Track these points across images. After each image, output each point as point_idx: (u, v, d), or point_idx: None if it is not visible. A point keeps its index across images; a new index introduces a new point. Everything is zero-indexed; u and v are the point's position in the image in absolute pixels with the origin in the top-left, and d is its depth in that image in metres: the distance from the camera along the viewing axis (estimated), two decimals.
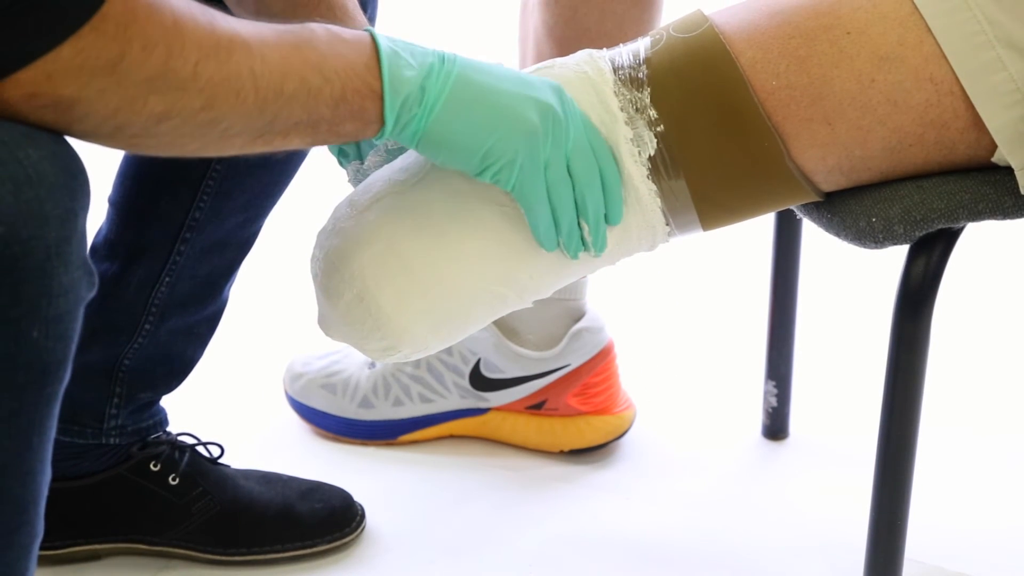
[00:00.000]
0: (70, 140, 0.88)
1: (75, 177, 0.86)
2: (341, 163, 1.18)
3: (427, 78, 0.99)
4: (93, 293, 0.88)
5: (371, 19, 1.35)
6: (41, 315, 0.83)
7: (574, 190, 1.05)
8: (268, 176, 1.37)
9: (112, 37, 0.85)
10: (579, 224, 1.06)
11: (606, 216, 1.07)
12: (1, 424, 0.85)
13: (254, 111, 0.92)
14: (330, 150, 1.18)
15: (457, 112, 1.00)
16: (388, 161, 1.15)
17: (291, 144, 0.97)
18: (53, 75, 0.84)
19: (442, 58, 1.00)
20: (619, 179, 1.07)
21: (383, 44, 0.98)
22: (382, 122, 0.98)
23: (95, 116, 0.87)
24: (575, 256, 1.08)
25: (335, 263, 1.08)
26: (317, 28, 0.97)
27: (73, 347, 0.87)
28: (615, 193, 1.07)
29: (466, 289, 1.08)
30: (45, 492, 0.90)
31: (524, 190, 1.03)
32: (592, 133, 1.06)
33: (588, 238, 1.07)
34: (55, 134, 0.87)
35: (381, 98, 0.97)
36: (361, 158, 1.16)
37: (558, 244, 1.07)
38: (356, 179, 1.16)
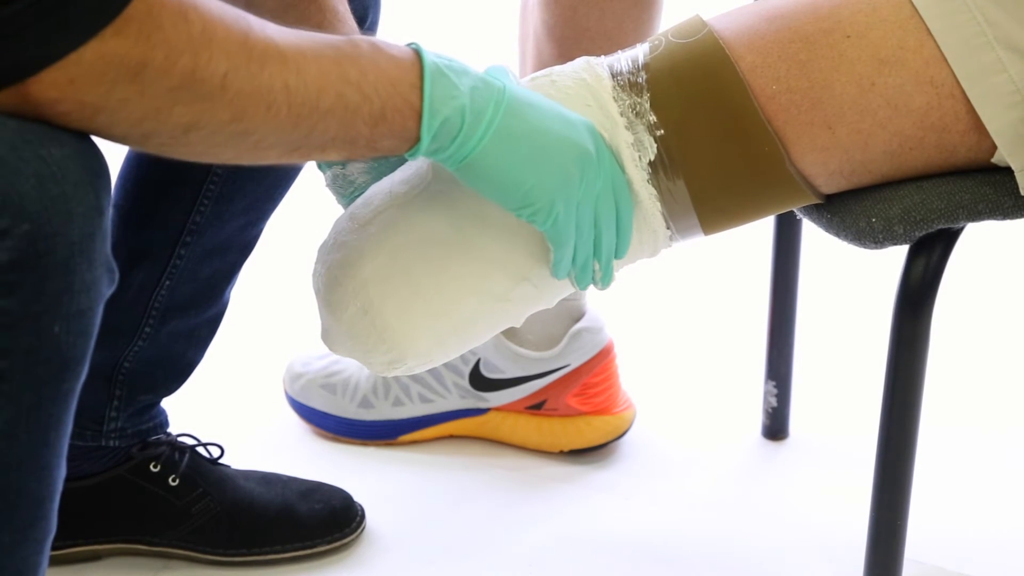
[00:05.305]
0: (96, 139, 0.88)
1: (99, 175, 0.86)
2: (320, 168, 1.15)
3: (473, 103, 0.97)
4: (113, 289, 0.88)
5: (373, 24, 1.34)
6: (63, 311, 0.84)
7: (595, 230, 1.06)
8: (269, 180, 1.37)
9: (134, 43, 0.84)
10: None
11: (616, 251, 1.08)
12: (20, 419, 0.85)
13: (287, 125, 0.91)
14: None
15: (504, 148, 0.99)
16: (370, 168, 1.13)
17: (328, 157, 0.96)
18: (76, 79, 0.83)
19: (490, 84, 0.99)
20: (631, 219, 1.08)
21: (428, 61, 0.96)
22: (418, 140, 0.97)
23: (122, 124, 0.86)
24: (583, 288, 1.08)
25: (337, 277, 1.07)
26: (361, 43, 0.95)
27: (92, 343, 0.87)
28: (627, 232, 1.08)
29: (470, 301, 1.08)
30: (60, 488, 0.90)
31: (556, 232, 1.03)
32: (616, 174, 1.06)
33: (598, 273, 1.08)
34: (80, 133, 0.86)
35: (420, 116, 0.96)
36: (343, 163, 1.15)
37: (569, 275, 1.07)
38: (335, 184, 1.14)
